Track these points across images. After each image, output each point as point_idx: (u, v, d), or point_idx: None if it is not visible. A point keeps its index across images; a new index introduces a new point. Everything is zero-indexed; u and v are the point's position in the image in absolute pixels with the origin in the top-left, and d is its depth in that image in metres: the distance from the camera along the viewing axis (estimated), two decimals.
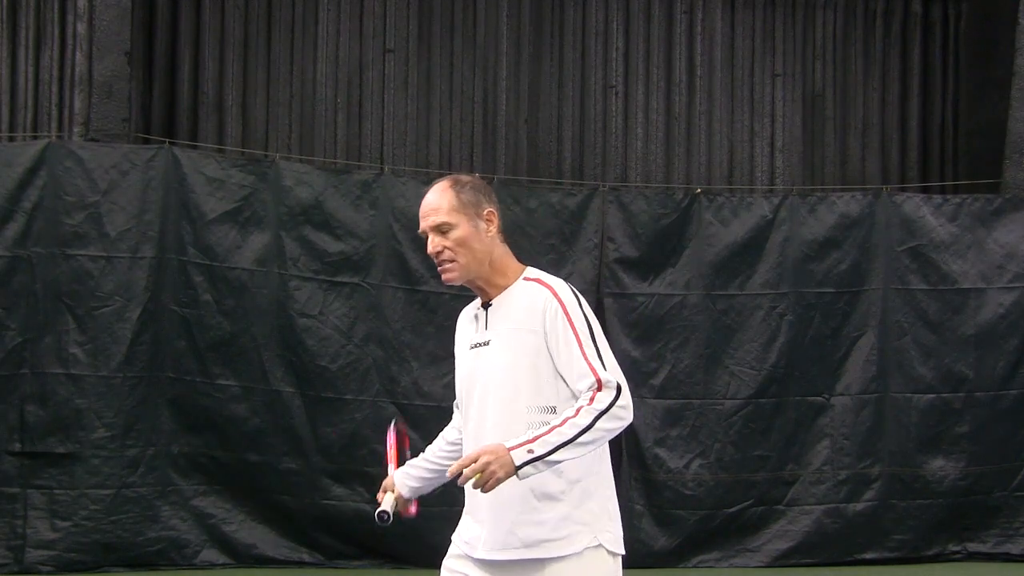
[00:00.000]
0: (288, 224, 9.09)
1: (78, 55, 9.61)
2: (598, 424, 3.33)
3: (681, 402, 9.58)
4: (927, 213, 9.92)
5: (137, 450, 8.70)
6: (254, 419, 8.90)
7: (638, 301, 9.60)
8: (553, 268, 9.40)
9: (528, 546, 3.41)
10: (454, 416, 3.82)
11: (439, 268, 3.56)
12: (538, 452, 3.26)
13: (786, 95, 11.32)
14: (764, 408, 9.65)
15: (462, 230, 3.53)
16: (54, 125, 9.86)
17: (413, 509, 3.79)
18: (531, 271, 3.64)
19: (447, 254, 3.52)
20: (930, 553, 9.75)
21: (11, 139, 9.71)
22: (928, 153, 11.51)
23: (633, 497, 9.46)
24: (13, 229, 8.60)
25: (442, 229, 3.52)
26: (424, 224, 3.57)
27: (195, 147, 9.88)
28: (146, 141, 9.59)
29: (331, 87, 10.62)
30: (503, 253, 3.61)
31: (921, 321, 9.82)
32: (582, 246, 9.57)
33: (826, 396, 9.73)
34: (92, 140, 9.21)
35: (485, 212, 3.57)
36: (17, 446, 8.53)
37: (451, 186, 3.58)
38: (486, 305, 3.58)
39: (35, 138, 9.57)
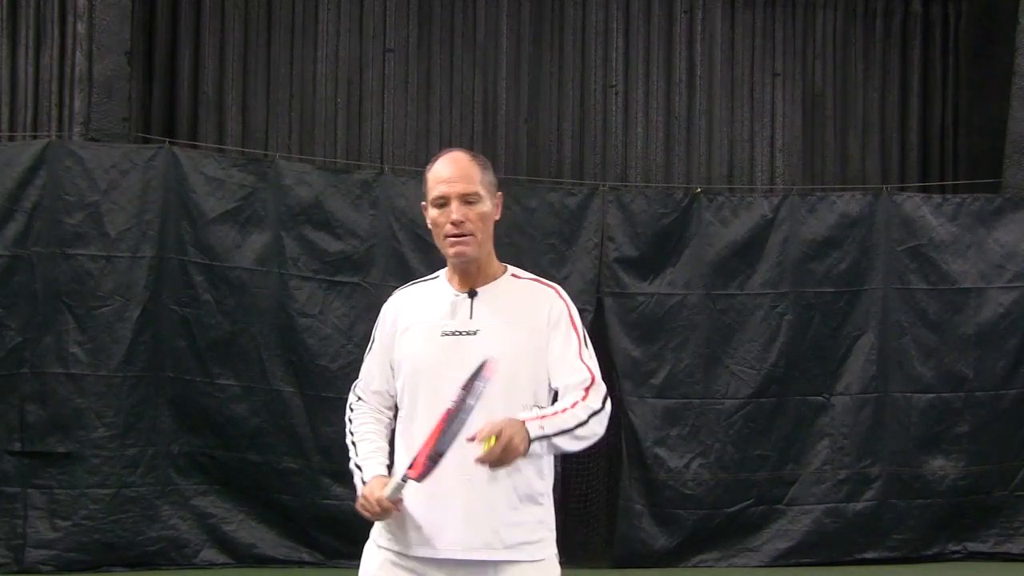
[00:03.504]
0: (288, 224, 9.10)
1: (78, 55, 9.61)
2: (590, 423, 3.29)
3: (681, 402, 9.58)
4: (927, 213, 9.92)
5: (137, 450, 8.71)
6: (254, 419, 8.90)
7: (638, 301, 9.60)
8: (553, 268, 9.46)
9: (508, 547, 3.32)
10: (365, 398, 3.58)
11: (456, 239, 3.35)
12: (547, 431, 3.18)
13: (786, 95, 11.32)
14: (764, 408, 9.65)
15: (486, 206, 3.40)
16: (54, 125, 9.86)
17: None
18: (516, 269, 3.53)
19: (469, 226, 3.35)
20: (930, 553, 9.75)
21: (11, 139, 9.71)
22: (928, 153, 11.50)
23: (633, 497, 9.47)
24: (13, 229, 8.61)
25: (470, 199, 3.36)
26: (450, 189, 3.35)
27: (195, 147, 9.88)
28: (146, 141, 9.59)
29: (331, 87, 10.62)
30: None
31: (921, 321, 9.82)
32: (582, 246, 9.57)
33: (826, 396, 9.73)
34: (92, 140, 9.21)
35: (498, 196, 3.48)
36: (17, 446, 8.54)
37: (476, 160, 3.45)
38: (471, 293, 3.42)
39: (35, 138, 9.57)
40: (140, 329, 8.73)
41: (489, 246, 3.45)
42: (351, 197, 9.23)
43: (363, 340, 9.31)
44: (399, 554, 3.38)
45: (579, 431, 3.26)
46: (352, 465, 3.50)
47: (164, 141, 9.27)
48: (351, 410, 3.60)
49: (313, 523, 8.98)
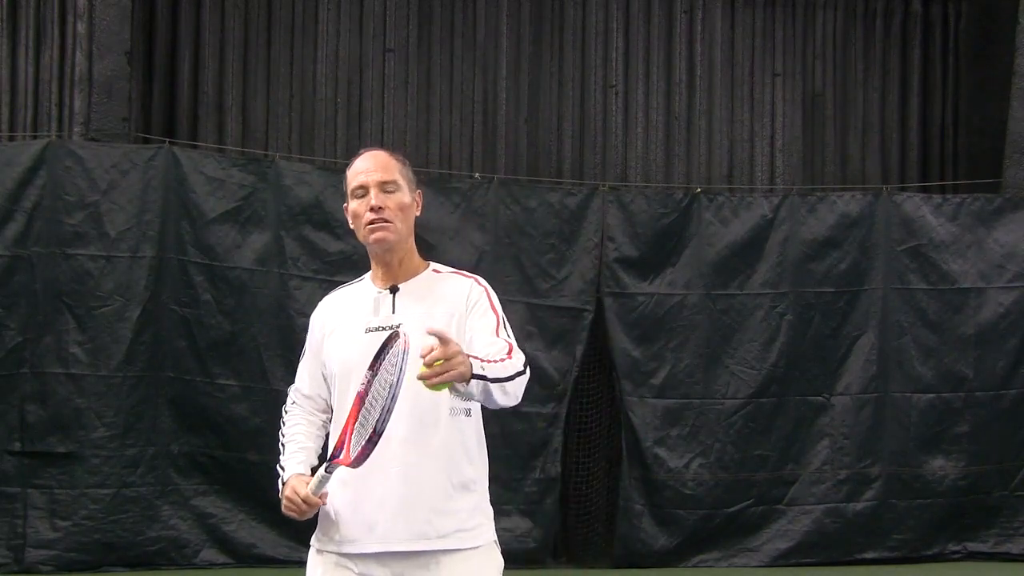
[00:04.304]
0: (288, 223, 9.10)
1: (78, 55, 9.62)
2: (516, 380, 3.26)
3: (681, 402, 9.58)
4: (927, 213, 9.92)
5: (137, 450, 8.71)
6: (254, 419, 8.90)
7: (638, 301, 9.60)
8: (553, 268, 9.46)
9: (442, 536, 3.33)
10: (298, 401, 3.65)
11: (375, 226, 3.40)
12: (487, 373, 3.15)
13: (786, 95, 11.32)
14: (764, 408, 9.65)
15: (405, 196, 3.46)
16: (54, 125, 9.87)
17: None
18: (438, 265, 3.56)
19: (387, 214, 3.40)
20: (930, 553, 9.75)
21: (11, 139, 9.72)
22: (928, 153, 11.51)
23: (633, 497, 9.47)
24: (13, 229, 8.61)
25: (388, 188, 3.42)
26: (368, 178, 3.42)
27: (195, 147, 9.89)
28: (146, 141, 9.59)
29: (331, 87, 10.63)
30: (413, 242, 3.54)
31: (921, 321, 9.82)
32: (582, 246, 9.57)
33: (826, 396, 9.73)
34: (92, 140, 9.22)
35: (417, 192, 3.54)
36: (17, 445, 8.54)
37: (394, 155, 3.53)
38: (393, 289, 3.46)
39: (35, 138, 9.57)
40: (140, 329, 8.74)
41: (411, 241, 3.50)
42: None
43: None
44: (339, 554, 3.41)
45: (508, 385, 3.22)
46: (277, 467, 3.54)
47: (164, 141, 9.27)
48: (285, 412, 3.71)
49: (313, 523, 8.93)
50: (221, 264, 8.93)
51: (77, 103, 9.57)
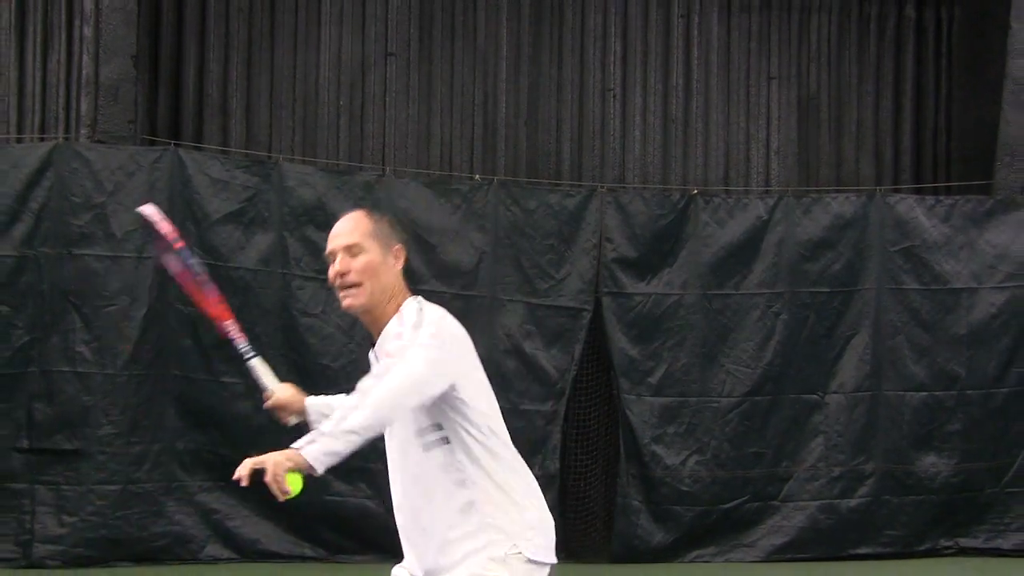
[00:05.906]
0: (291, 225, 9.19)
1: (85, 58, 9.69)
2: (376, 402, 3.24)
3: (678, 400, 9.67)
4: (920, 214, 10.02)
5: (143, 446, 8.82)
6: (258, 416, 8.96)
7: (636, 300, 9.69)
8: (552, 268, 9.58)
9: (455, 562, 3.38)
10: None
11: (342, 293, 3.44)
12: (327, 430, 3.35)
13: (781, 98, 11.40)
14: (760, 406, 9.74)
15: (372, 256, 3.45)
16: (61, 127, 9.96)
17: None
18: (409, 301, 3.50)
19: (352, 277, 3.42)
20: (922, 548, 9.86)
21: (19, 141, 9.80)
22: (921, 155, 11.59)
23: (630, 493, 9.56)
24: (21, 229, 8.70)
25: (353, 251, 3.43)
26: (333, 244, 3.45)
27: (200, 149, 9.96)
28: (152, 143, 9.68)
29: (333, 90, 10.70)
30: (403, 294, 3.50)
31: (914, 320, 9.91)
32: (580, 246, 9.67)
33: (820, 394, 9.82)
34: (98, 142, 9.29)
35: (395, 248, 3.51)
36: (25, 443, 8.65)
37: (367, 215, 3.54)
38: (373, 346, 3.52)
39: (42, 140, 9.68)
40: (146, 328, 8.83)
41: (387, 295, 3.46)
42: (353, 198, 9.30)
43: (365, 339, 9.42)
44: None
45: (371, 415, 3.21)
46: None
47: (169, 143, 9.36)
48: None
49: (316, 518, 9.07)
50: (225, 264, 9.02)
51: (84, 106, 9.63)
